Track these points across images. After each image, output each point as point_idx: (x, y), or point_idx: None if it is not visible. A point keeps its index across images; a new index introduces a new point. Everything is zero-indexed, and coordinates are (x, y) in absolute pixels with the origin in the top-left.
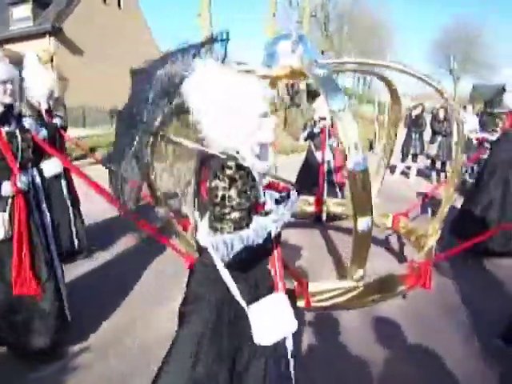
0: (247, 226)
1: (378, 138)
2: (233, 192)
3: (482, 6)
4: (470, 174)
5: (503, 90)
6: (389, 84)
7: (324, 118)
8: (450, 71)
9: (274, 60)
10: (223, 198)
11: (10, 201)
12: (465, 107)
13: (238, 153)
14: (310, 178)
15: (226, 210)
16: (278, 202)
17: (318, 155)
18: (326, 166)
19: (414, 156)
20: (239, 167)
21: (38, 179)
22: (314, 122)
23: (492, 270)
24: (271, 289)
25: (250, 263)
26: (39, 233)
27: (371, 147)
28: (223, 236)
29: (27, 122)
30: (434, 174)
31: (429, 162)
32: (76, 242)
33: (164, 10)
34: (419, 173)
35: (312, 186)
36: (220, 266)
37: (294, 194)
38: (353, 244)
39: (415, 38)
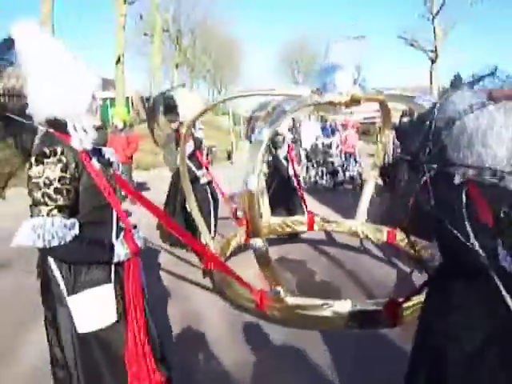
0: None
1: (234, 149)
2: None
3: (322, 21)
4: (320, 177)
5: None
6: (381, 104)
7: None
8: (295, 83)
9: (329, 88)
10: None
11: (113, 267)
12: (309, 115)
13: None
14: (283, 193)
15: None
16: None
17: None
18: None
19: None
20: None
21: None
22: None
23: None
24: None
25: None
26: (148, 306)
27: (229, 157)
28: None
29: (109, 152)
30: None
31: None
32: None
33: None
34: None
35: (286, 201)
36: None
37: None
38: (257, 263)
39: (265, 50)
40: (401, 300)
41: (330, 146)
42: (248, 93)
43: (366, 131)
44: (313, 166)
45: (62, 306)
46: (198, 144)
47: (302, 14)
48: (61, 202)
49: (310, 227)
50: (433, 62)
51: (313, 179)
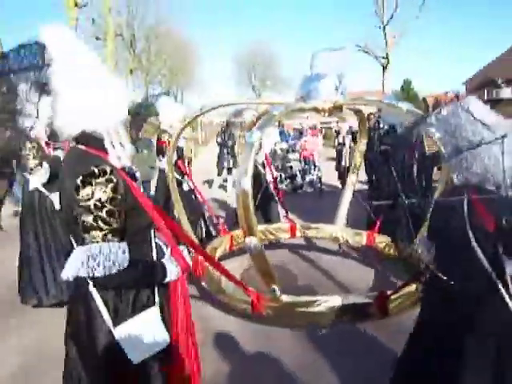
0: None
1: (193, 155)
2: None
3: (275, 26)
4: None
5: None
6: (359, 113)
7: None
8: (252, 87)
9: (313, 95)
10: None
11: (157, 288)
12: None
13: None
14: (261, 199)
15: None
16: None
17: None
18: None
19: (229, 169)
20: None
21: None
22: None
23: None
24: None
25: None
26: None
27: (188, 164)
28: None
29: (131, 168)
30: None
31: None
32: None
33: None
34: (235, 183)
35: (264, 206)
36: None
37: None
38: (253, 262)
39: (222, 54)
40: (389, 293)
41: (288, 151)
42: (235, 102)
43: (324, 135)
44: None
45: (105, 337)
46: (180, 153)
47: (257, 18)
48: (115, 225)
49: (292, 234)
50: (384, 68)
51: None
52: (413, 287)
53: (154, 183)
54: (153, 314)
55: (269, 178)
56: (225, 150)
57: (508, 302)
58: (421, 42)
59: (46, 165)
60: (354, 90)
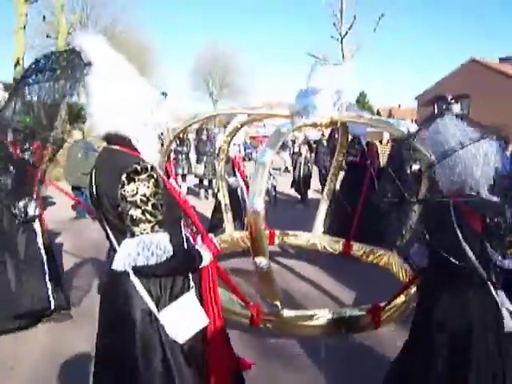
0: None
1: None
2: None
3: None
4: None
5: None
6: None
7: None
8: (209, 94)
9: (310, 110)
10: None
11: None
12: (224, 127)
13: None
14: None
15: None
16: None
17: (231, 181)
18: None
19: (183, 176)
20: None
21: None
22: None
23: None
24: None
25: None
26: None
27: None
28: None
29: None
30: (202, 191)
31: (197, 180)
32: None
33: None
34: (189, 191)
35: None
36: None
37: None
38: (260, 281)
39: (180, 60)
40: (382, 304)
41: (244, 159)
42: (231, 110)
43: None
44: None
45: (148, 323)
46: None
47: (214, 26)
48: (160, 217)
49: (271, 240)
50: None
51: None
52: (402, 298)
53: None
54: (191, 297)
55: (241, 184)
56: (180, 157)
57: (494, 294)
58: (376, 56)
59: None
60: None
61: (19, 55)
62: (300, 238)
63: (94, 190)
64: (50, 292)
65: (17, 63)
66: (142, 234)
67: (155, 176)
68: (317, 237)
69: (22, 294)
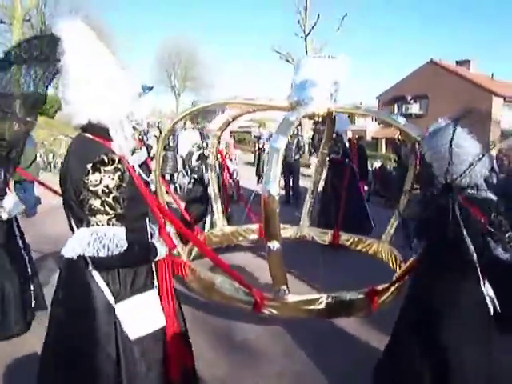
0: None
1: None
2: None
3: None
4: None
5: None
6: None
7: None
8: (171, 88)
9: (307, 102)
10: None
11: (154, 271)
12: (185, 123)
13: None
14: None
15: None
16: None
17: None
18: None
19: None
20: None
21: None
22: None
23: None
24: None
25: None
26: None
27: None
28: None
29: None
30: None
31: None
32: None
33: None
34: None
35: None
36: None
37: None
38: (268, 264)
39: (144, 52)
40: (380, 288)
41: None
42: (231, 101)
43: (241, 139)
44: (187, 173)
45: (106, 314)
46: (149, 151)
47: (179, 19)
48: (119, 210)
49: (261, 234)
50: None
51: (186, 186)
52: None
53: None
54: (152, 295)
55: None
56: (169, 154)
57: (481, 284)
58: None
59: None
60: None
61: None
62: (288, 231)
63: (62, 175)
64: (32, 293)
65: None
66: (97, 224)
67: (122, 169)
68: (305, 229)
69: (13, 297)
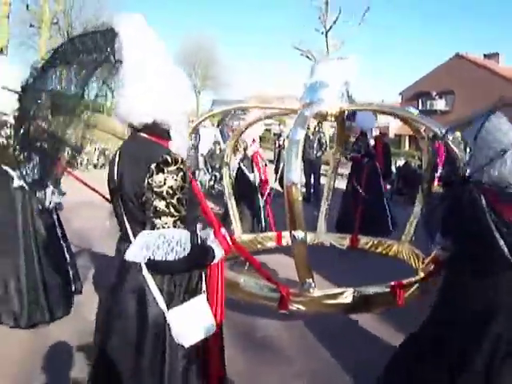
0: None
1: None
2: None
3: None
4: (216, 182)
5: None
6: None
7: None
8: (193, 86)
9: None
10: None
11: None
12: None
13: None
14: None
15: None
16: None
17: (252, 176)
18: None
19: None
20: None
21: None
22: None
23: None
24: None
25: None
26: None
27: None
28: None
29: None
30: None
31: None
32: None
33: None
34: None
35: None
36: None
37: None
38: (293, 254)
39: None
40: (405, 282)
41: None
42: (247, 105)
43: (261, 137)
44: (208, 170)
45: (157, 322)
46: None
47: (198, 20)
48: (183, 212)
49: (279, 241)
50: None
51: (207, 184)
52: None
53: None
54: (202, 300)
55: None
56: (190, 152)
57: None
58: (361, 50)
59: None
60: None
61: (2, 44)
62: (307, 237)
63: (116, 176)
64: (72, 279)
65: (0, 52)
66: (163, 227)
67: (184, 170)
68: (322, 235)
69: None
